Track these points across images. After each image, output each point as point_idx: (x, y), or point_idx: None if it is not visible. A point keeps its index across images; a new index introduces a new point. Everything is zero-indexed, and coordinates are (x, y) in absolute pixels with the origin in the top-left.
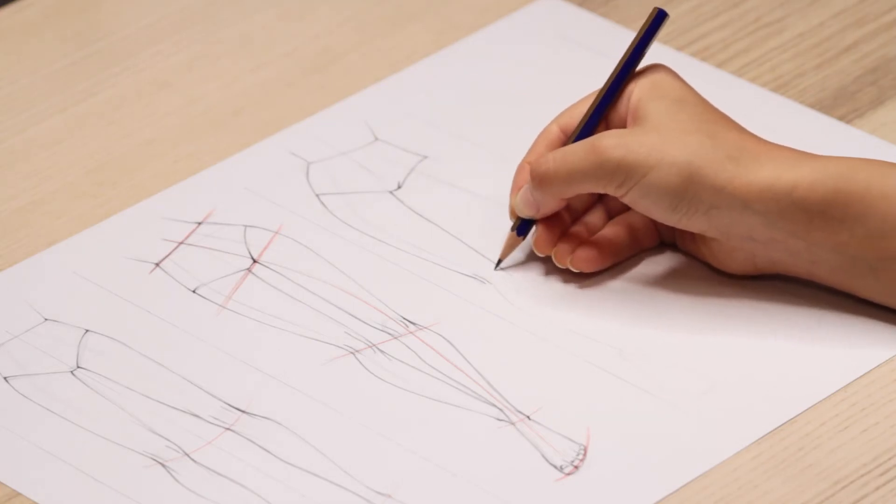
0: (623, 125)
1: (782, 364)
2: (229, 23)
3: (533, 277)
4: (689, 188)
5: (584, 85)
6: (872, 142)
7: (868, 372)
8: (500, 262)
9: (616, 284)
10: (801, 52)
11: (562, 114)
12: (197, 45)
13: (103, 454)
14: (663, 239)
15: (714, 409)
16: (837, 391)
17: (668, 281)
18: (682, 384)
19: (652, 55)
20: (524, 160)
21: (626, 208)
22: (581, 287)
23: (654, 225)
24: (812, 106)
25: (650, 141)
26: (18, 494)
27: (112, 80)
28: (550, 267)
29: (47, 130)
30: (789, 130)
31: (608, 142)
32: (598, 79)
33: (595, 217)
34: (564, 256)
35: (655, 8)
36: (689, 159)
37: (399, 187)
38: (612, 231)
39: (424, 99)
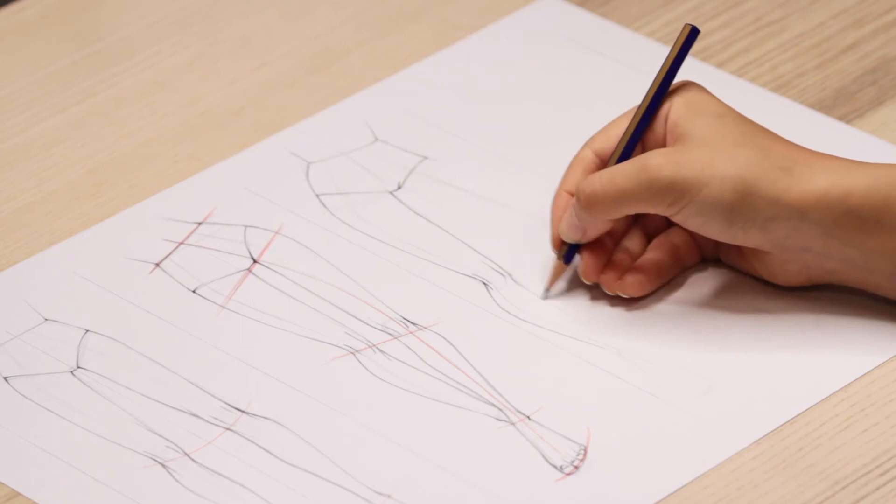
0: (659, 145)
1: (782, 364)
2: (229, 23)
3: (533, 278)
4: (745, 201)
5: (584, 85)
6: (872, 142)
7: (868, 372)
8: (547, 290)
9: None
10: (801, 52)
11: (594, 138)
12: (197, 45)
13: (103, 454)
14: (704, 255)
15: (714, 409)
16: (837, 391)
17: (668, 283)
18: (682, 384)
19: (652, 54)
20: (560, 188)
21: (664, 228)
22: (581, 287)
23: (696, 242)
24: (812, 106)
25: (700, 157)
26: (18, 494)
27: (112, 80)
28: (550, 268)
29: (47, 130)
30: (789, 130)
31: (657, 160)
32: (598, 79)
33: (634, 240)
34: (613, 283)
35: (687, 25)
36: (742, 173)
37: (399, 187)
38: (655, 254)
39: (424, 99)
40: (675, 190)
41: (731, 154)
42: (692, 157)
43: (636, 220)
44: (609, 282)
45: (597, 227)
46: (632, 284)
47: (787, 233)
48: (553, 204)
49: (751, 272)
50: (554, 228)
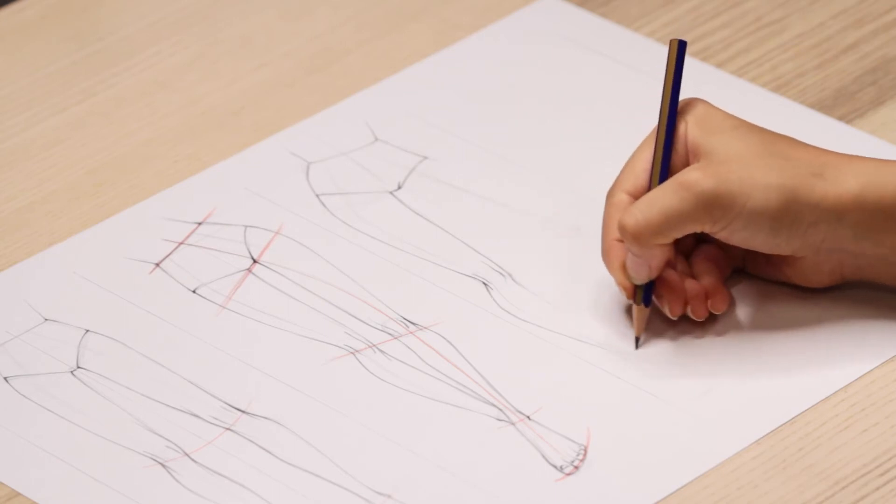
0: (684, 166)
1: (782, 364)
2: (229, 23)
3: (533, 277)
4: (790, 209)
5: (584, 85)
6: (872, 142)
7: (868, 372)
8: (638, 339)
9: (615, 285)
10: (801, 52)
11: (621, 180)
12: (197, 45)
13: (103, 454)
14: (734, 266)
15: (714, 409)
16: (837, 391)
17: None
18: (682, 384)
19: (652, 54)
20: (607, 239)
21: (693, 248)
22: (581, 287)
23: (727, 255)
24: (812, 106)
25: (736, 169)
26: (18, 494)
27: (112, 80)
28: (550, 268)
29: (47, 130)
30: (789, 130)
31: (694, 175)
32: (598, 79)
33: (682, 266)
34: (702, 308)
35: (673, 40)
36: (781, 181)
37: (399, 187)
38: (709, 274)
39: (424, 99)
40: (721, 204)
41: (762, 165)
42: (729, 169)
43: (676, 247)
44: (697, 309)
45: (656, 256)
46: (719, 301)
47: (824, 236)
48: (605, 257)
49: (781, 279)
50: (619, 278)
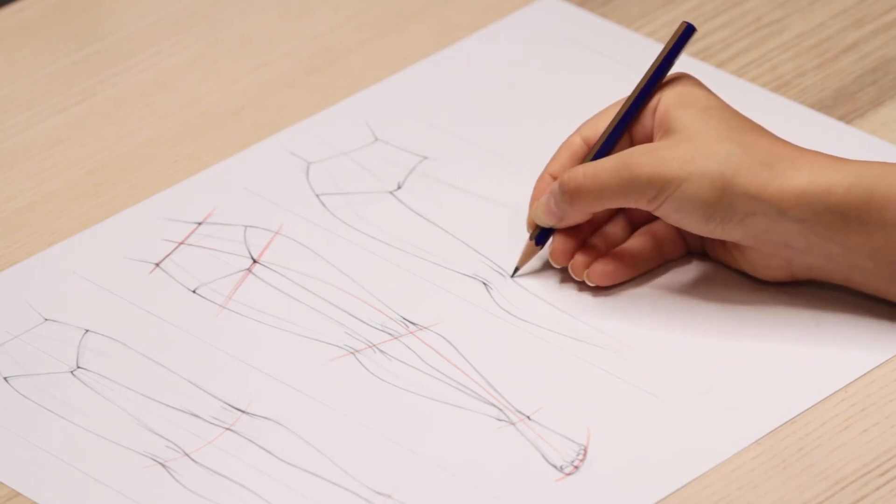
0: (647, 137)
1: (782, 364)
2: (229, 23)
3: (533, 277)
4: (723, 197)
5: (584, 85)
6: (872, 142)
7: (868, 372)
8: (517, 270)
9: (615, 285)
10: (801, 52)
11: (584, 125)
12: (197, 45)
13: (103, 454)
14: (690, 248)
15: (714, 409)
16: (837, 391)
17: (668, 282)
18: (682, 384)
19: (652, 54)
20: (545, 171)
21: (650, 219)
22: (581, 288)
23: (681, 235)
24: (812, 106)
25: (680, 153)
26: (18, 494)
27: (112, 80)
28: (550, 268)
29: (47, 130)
30: (789, 130)
31: (639, 158)
32: (598, 79)
33: (617, 228)
34: (581, 269)
35: (684, 22)
36: (721, 169)
37: (399, 187)
38: (636, 243)
39: (424, 99)
40: (655, 186)
41: (712, 149)
42: (673, 154)
43: (621, 209)
44: (577, 267)
45: (576, 217)
46: (598, 273)
47: (766, 228)
48: (535, 186)
49: (734, 266)
50: (531, 209)
